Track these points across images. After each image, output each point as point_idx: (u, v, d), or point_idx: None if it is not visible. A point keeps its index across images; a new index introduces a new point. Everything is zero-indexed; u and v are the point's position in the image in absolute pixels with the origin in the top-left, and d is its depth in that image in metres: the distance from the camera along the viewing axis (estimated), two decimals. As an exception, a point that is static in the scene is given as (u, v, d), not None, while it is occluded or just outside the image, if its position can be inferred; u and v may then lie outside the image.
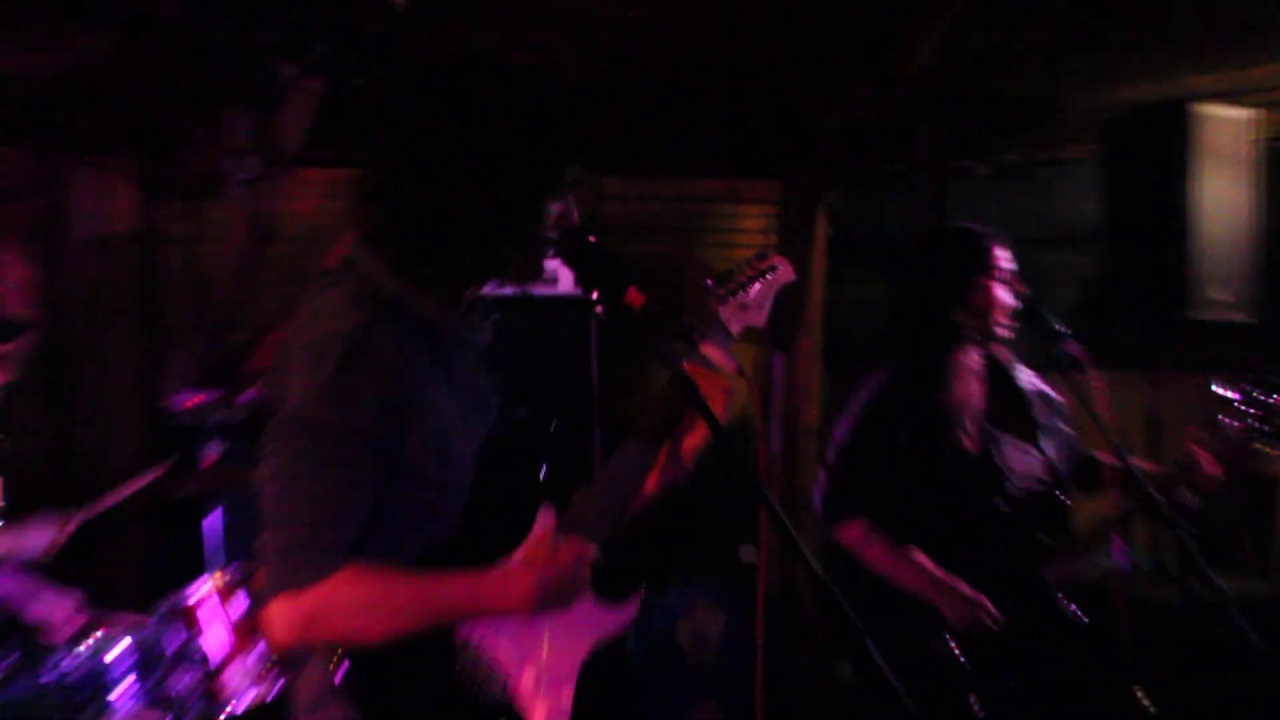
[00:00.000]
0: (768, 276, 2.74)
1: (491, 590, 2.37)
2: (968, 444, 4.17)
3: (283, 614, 2.26)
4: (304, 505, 2.27)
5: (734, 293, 2.70)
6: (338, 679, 2.31)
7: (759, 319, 2.74)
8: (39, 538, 4.62)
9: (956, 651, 4.08)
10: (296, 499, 2.27)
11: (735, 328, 2.68)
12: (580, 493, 2.52)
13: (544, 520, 2.48)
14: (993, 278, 4.21)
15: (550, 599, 2.38)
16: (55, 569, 4.73)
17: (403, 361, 2.33)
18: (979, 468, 4.18)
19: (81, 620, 4.69)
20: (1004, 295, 4.21)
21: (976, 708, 4.05)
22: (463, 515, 2.44)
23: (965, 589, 4.06)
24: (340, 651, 2.31)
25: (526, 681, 2.43)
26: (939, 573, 4.08)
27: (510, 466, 2.52)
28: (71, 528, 4.68)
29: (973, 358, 4.24)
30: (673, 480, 2.63)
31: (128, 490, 4.84)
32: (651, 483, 2.60)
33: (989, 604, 4.04)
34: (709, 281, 2.71)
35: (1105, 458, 4.25)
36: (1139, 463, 4.19)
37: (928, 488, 4.17)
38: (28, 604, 4.68)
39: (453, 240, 2.34)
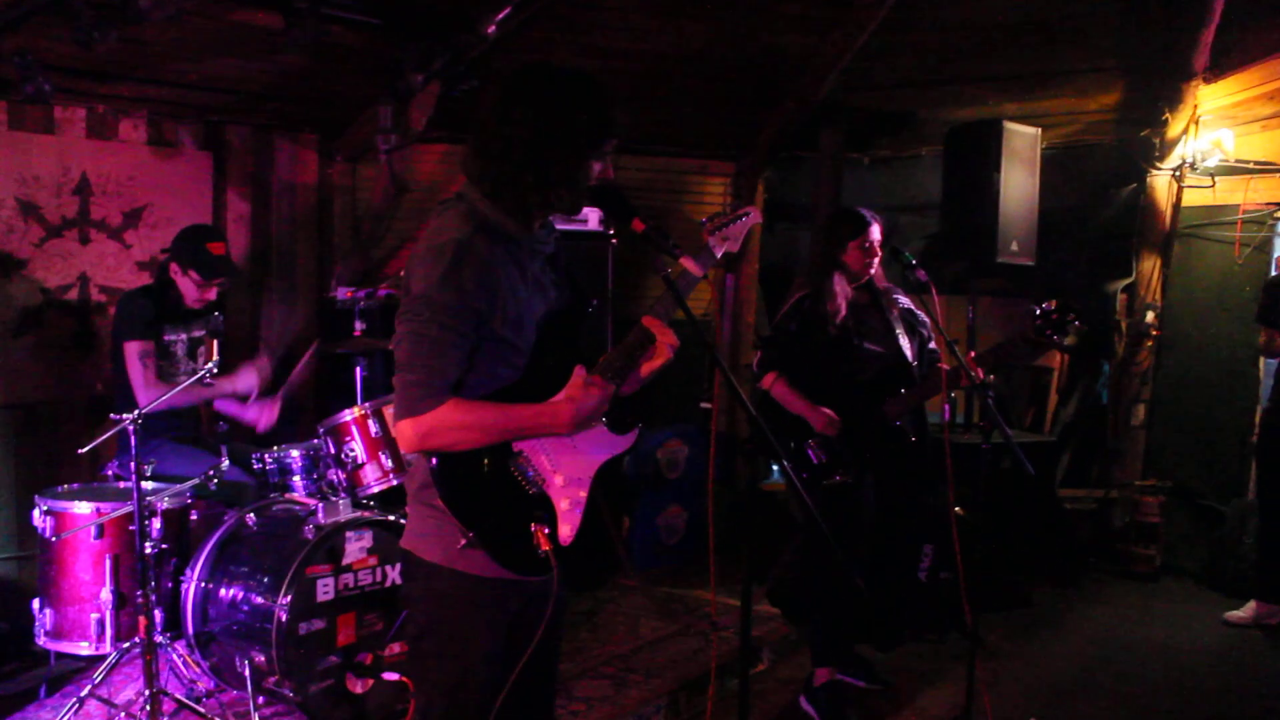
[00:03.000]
0: (743, 219, 2.67)
1: (545, 417, 2.35)
2: (833, 333, 4.32)
3: (408, 430, 2.26)
4: (424, 357, 2.24)
5: (720, 228, 2.62)
6: (432, 473, 2.31)
7: (734, 247, 2.66)
8: (249, 379, 4.66)
9: (819, 450, 4.31)
10: (419, 352, 2.24)
11: (718, 252, 2.61)
12: (601, 359, 2.46)
13: (577, 373, 2.43)
14: (862, 244, 4.35)
15: (584, 420, 2.37)
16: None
17: (493, 259, 2.30)
18: (841, 347, 4.34)
19: (274, 412, 4.75)
20: (863, 256, 4.36)
21: (833, 482, 4.30)
22: (524, 367, 2.39)
23: (825, 410, 4.26)
24: (435, 456, 2.30)
25: (557, 481, 2.40)
26: (809, 401, 4.29)
27: (558, 336, 2.46)
28: (268, 370, 4.73)
29: (844, 286, 4.37)
30: (632, 389, 2.54)
31: (302, 361, 4.88)
32: (625, 388, 2.49)
33: (835, 416, 4.25)
34: (704, 220, 2.63)
35: (943, 364, 4.33)
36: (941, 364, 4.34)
37: (811, 359, 4.34)
38: (242, 412, 4.77)
39: (523, 183, 2.32)
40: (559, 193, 2.36)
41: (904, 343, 4.43)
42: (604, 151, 2.38)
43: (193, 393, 4.33)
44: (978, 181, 6.10)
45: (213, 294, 4.58)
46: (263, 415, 4.75)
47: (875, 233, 4.38)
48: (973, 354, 4.16)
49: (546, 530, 2.37)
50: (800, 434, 4.33)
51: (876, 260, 4.40)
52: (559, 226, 2.58)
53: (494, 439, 2.32)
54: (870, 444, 4.33)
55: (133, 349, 4.41)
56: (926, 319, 4.49)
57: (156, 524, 3.88)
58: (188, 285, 4.51)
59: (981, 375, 4.06)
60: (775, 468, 7.08)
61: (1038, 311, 3.97)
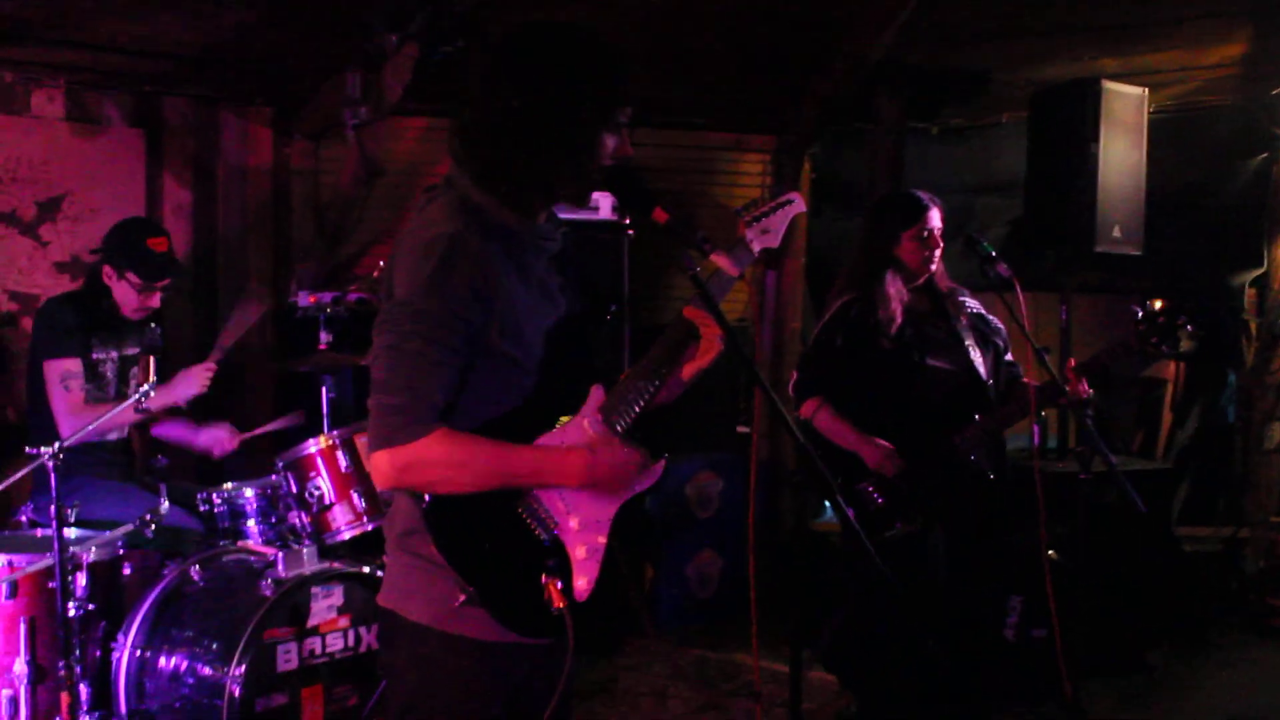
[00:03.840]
0: (785, 208, 2.65)
1: (551, 466, 2.35)
2: (886, 346, 4.26)
3: (384, 463, 2.24)
4: (406, 376, 2.23)
5: (758, 219, 2.62)
6: (422, 515, 2.30)
7: (774, 242, 2.65)
8: (190, 384, 4.62)
9: (874, 494, 4.23)
10: (400, 371, 2.23)
11: (756, 248, 2.60)
12: (623, 376, 2.49)
13: (594, 396, 2.44)
14: (918, 234, 4.30)
15: (598, 485, 2.38)
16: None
17: (488, 258, 2.28)
18: (899, 363, 4.27)
19: (236, 441, 4.79)
20: (922, 250, 4.31)
21: (891, 532, 4.21)
22: (532, 387, 2.38)
23: (880, 442, 4.19)
24: (426, 496, 2.29)
25: (572, 525, 2.40)
26: (860, 433, 4.23)
27: (571, 350, 2.46)
28: (215, 364, 4.70)
29: (898, 288, 4.31)
30: (669, 397, 2.57)
31: (241, 329, 4.86)
32: (661, 395, 2.52)
33: (894, 453, 4.17)
34: (738, 209, 2.63)
35: (1028, 379, 4.31)
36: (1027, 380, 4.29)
37: (862, 378, 4.29)
38: (194, 437, 4.78)
39: (518, 165, 2.32)
40: (562, 177, 2.37)
41: (975, 356, 4.37)
42: (617, 123, 2.38)
43: (127, 416, 4.32)
44: (1071, 154, 6.08)
45: (156, 300, 4.61)
46: (218, 439, 4.75)
47: (934, 219, 4.34)
48: (1072, 363, 4.12)
49: (559, 584, 2.36)
50: (851, 473, 4.27)
51: (938, 254, 4.35)
52: (563, 216, 2.58)
53: (485, 483, 2.31)
54: (938, 486, 4.25)
55: (54, 369, 4.42)
56: (1000, 325, 4.46)
57: (82, 580, 3.87)
58: (125, 291, 4.53)
59: (1085, 390, 4.02)
60: (828, 504, 7.06)
61: (1140, 315, 3.94)
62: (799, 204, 2.72)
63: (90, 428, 4.03)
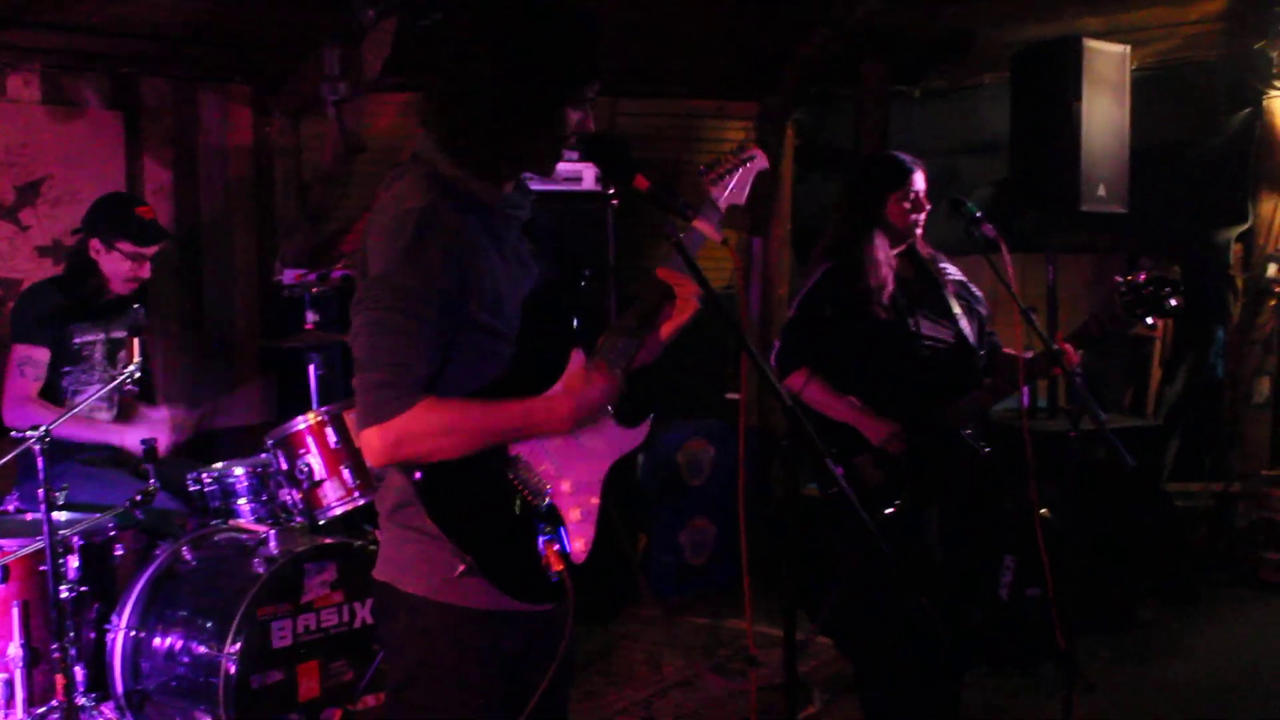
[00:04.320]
0: (747, 164, 2.66)
1: (539, 414, 2.35)
2: (883, 315, 4.16)
3: (374, 440, 2.25)
4: (388, 351, 2.23)
5: (721, 177, 2.62)
6: (414, 488, 2.29)
7: (740, 198, 2.65)
8: (153, 425, 4.59)
9: (875, 467, 4.12)
10: (382, 346, 2.24)
11: (723, 205, 2.60)
12: (603, 338, 2.48)
13: (575, 360, 2.44)
14: (904, 196, 4.21)
15: (584, 418, 2.39)
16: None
17: (461, 230, 2.30)
18: (892, 333, 4.17)
19: (189, 422, 4.72)
20: (909, 211, 4.22)
21: (889, 511, 4.13)
22: (512, 357, 2.39)
23: (881, 417, 4.10)
24: (417, 468, 2.28)
25: (564, 488, 2.41)
26: (860, 405, 4.13)
27: (548, 317, 2.47)
28: (181, 438, 4.68)
29: (887, 253, 4.21)
30: (647, 358, 2.57)
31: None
32: (641, 356, 2.52)
33: (900, 428, 4.07)
34: (701, 169, 2.64)
35: (1009, 349, 4.29)
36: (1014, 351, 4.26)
37: (853, 349, 4.19)
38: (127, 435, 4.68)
39: (486, 134, 2.31)
40: (528, 147, 2.37)
41: (964, 325, 4.29)
42: (584, 98, 2.38)
43: (76, 429, 4.30)
44: (1054, 113, 6.05)
45: (146, 270, 4.61)
46: (161, 423, 4.70)
47: (919, 180, 4.26)
48: (1060, 336, 4.10)
49: (558, 547, 2.37)
50: (846, 445, 4.17)
51: (923, 217, 4.30)
52: (548, 187, 2.58)
53: (479, 443, 2.31)
54: (934, 463, 4.15)
55: (17, 353, 4.42)
56: (981, 294, 4.42)
57: (73, 562, 3.88)
58: (115, 263, 4.52)
59: (1076, 361, 4.00)
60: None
61: (1123, 286, 3.93)
62: (761, 159, 2.72)
63: (58, 424, 3.89)
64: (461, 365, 2.34)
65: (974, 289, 4.41)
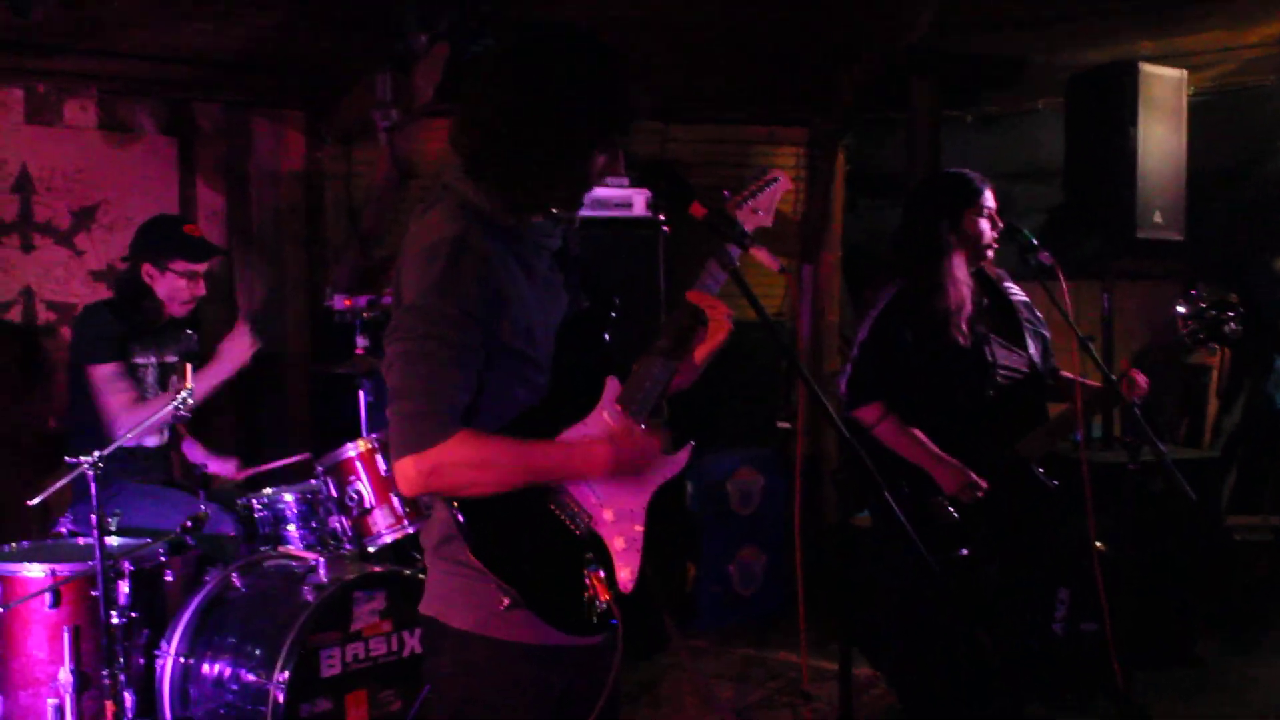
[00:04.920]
0: (770, 187, 2.65)
1: (576, 460, 2.34)
2: (961, 341, 4.05)
3: (409, 469, 2.24)
4: (423, 381, 2.23)
5: (746, 199, 2.60)
6: (456, 523, 2.28)
7: (767, 220, 2.64)
8: (235, 355, 4.68)
9: (950, 509, 4.05)
10: (417, 376, 2.23)
11: (749, 228, 2.57)
12: (637, 364, 2.47)
13: (610, 388, 2.43)
14: (979, 212, 4.13)
15: (623, 472, 2.37)
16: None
17: (493, 258, 2.29)
18: (971, 360, 4.08)
19: (241, 475, 4.82)
20: (986, 227, 4.13)
21: (964, 553, 4.05)
22: (546, 386, 2.39)
23: (957, 464, 3.99)
24: (456, 501, 2.28)
25: (606, 517, 2.40)
26: (935, 449, 4.02)
27: (582, 345, 2.46)
28: (240, 476, 4.79)
29: (964, 273, 4.11)
30: (684, 383, 2.57)
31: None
32: (677, 381, 2.52)
33: (975, 477, 3.98)
34: (725, 193, 2.62)
35: (1066, 373, 4.22)
36: (1084, 380, 4.17)
37: (929, 376, 4.08)
38: (205, 462, 4.80)
39: (506, 167, 2.31)
40: (550, 186, 2.36)
41: (1034, 351, 4.21)
42: (609, 144, 2.37)
43: (167, 419, 4.35)
44: (1110, 139, 6.03)
45: (202, 288, 4.66)
46: (226, 470, 4.80)
47: (991, 198, 4.18)
48: (1125, 363, 4.03)
49: (603, 575, 2.36)
50: (919, 482, 4.08)
51: (996, 234, 4.19)
52: (599, 214, 2.58)
53: (514, 481, 2.30)
54: (1009, 505, 4.04)
55: (100, 373, 4.45)
56: (1041, 315, 4.34)
57: (124, 587, 3.88)
58: (172, 284, 4.57)
59: (1146, 387, 3.93)
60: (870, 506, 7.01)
61: (1184, 310, 3.86)
62: (784, 182, 2.72)
63: (148, 423, 4.06)
64: (495, 393, 2.34)
65: (1036, 310, 4.33)
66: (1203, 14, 6.34)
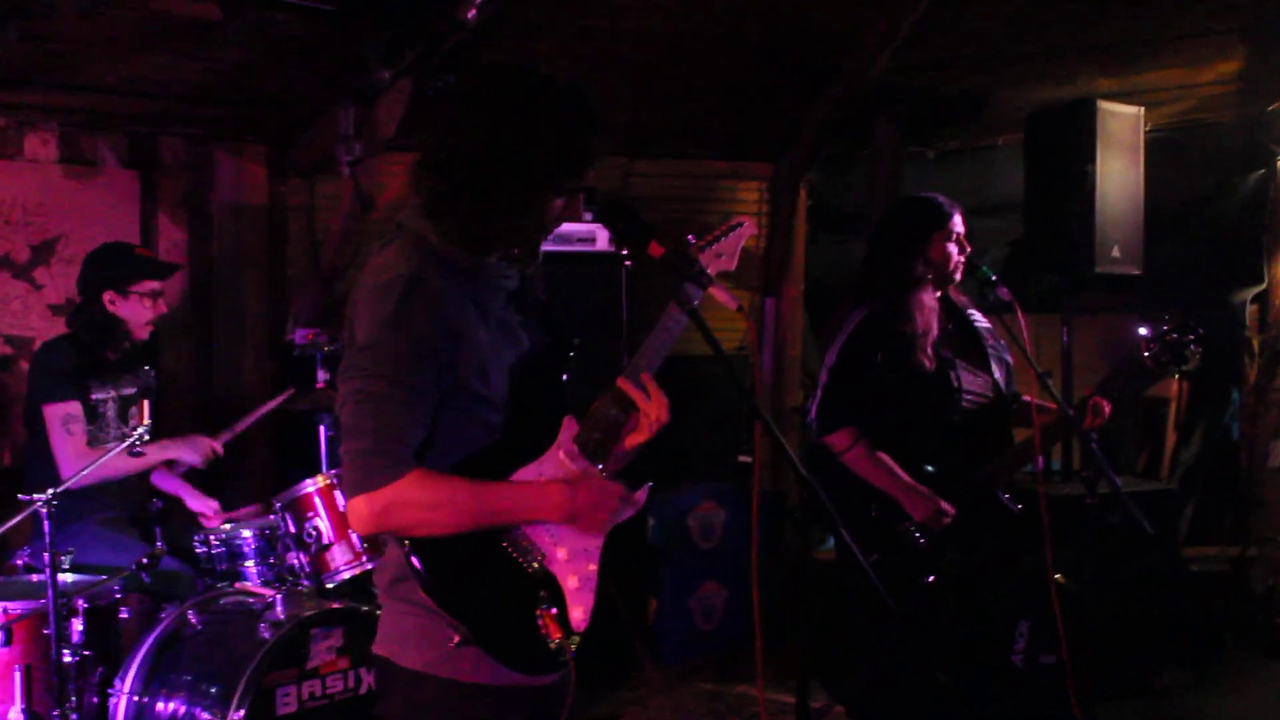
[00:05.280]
0: (735, 231, 2.69)
1: (532, 502, 2.33)
2: (928, 365, 4.08)
3: (361, 508, 2.23)
4: (374, 420, 2.22)
5: (710, 244, 2.64)
6: (408, 561, 2.28)
7: (730, 265, 2.68)
8: (192, 454, 4.63)
9: (917, 535, 4.05)
10: (369, 415, 2.23)
11: (712, 271, 2.59)
12: (595, 404, 2.47)
13: (567, 428, 2.44)
14: (947, 237, 4.15)
15: (579, 518, 2.36)
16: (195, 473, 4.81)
17: (447, 297, 2.29)
18: (936, 385, 4.10)
19: (220, 520, 4.79)
20: (955, 251, 4.15)
21: (930, 580, 4.07)
22: (502, 425, 2.38)
23: (926, 491, 4.01)
24: (408, 540, 2.28)
25: (559, 555, 2.40)
26: (906, 478, 4.04)
27: (538, 385, 2.46)
28: (220, 446, 4.73)
29: (931, 298, 4.16)
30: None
31: (261, 413, 4.89)
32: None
33: (944, 504, 4.00)
34: (690, 237, 2.64)
35: (1028, 397, 4.23)
36: (1045, 403, 4.19)
37: (896, 400, 4.10)
38: (185, 498, 4.78)
39: (462, 208, 2.31)
40: (507, 228, 2.36)
41: (999, 376, 4.23)
42: (568, 189, 2.38)
43: (125, 463, 4.30)
44: (1068, 175, 6.06)
45: (163, 306, 4.66)
46: (205, 509, 4.76)
47: (959, 222, 4.20)
48: (1088, 391, 4.04)
49: (555, 613, 2.35)
50: (887, 509, 4.09)
51: (963, 259, 4.20)
52: (561, 248, 2.59)
53: (464, 523, 2.29)
54: (975, 527, 4.06)
55: (54, 413, 4.41)
56: (1004, 341, 4.36)
57: (77, 625, 3.86)
58: (135, 308, 4.55)
59: (1107, 412, 3.95)
60: (833, 539, 7.01)
61: (1149, 335, 3.90)
62: (749, 227, 2.76)
63: (88, 470, 4.01)
64: (449, 432, 2.33)
65: (999, 336, 4.34)
66: (1160, 53, 6.43)
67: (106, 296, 4.54)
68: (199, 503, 4.80)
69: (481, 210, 2.32)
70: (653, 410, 2.44)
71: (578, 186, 2.39)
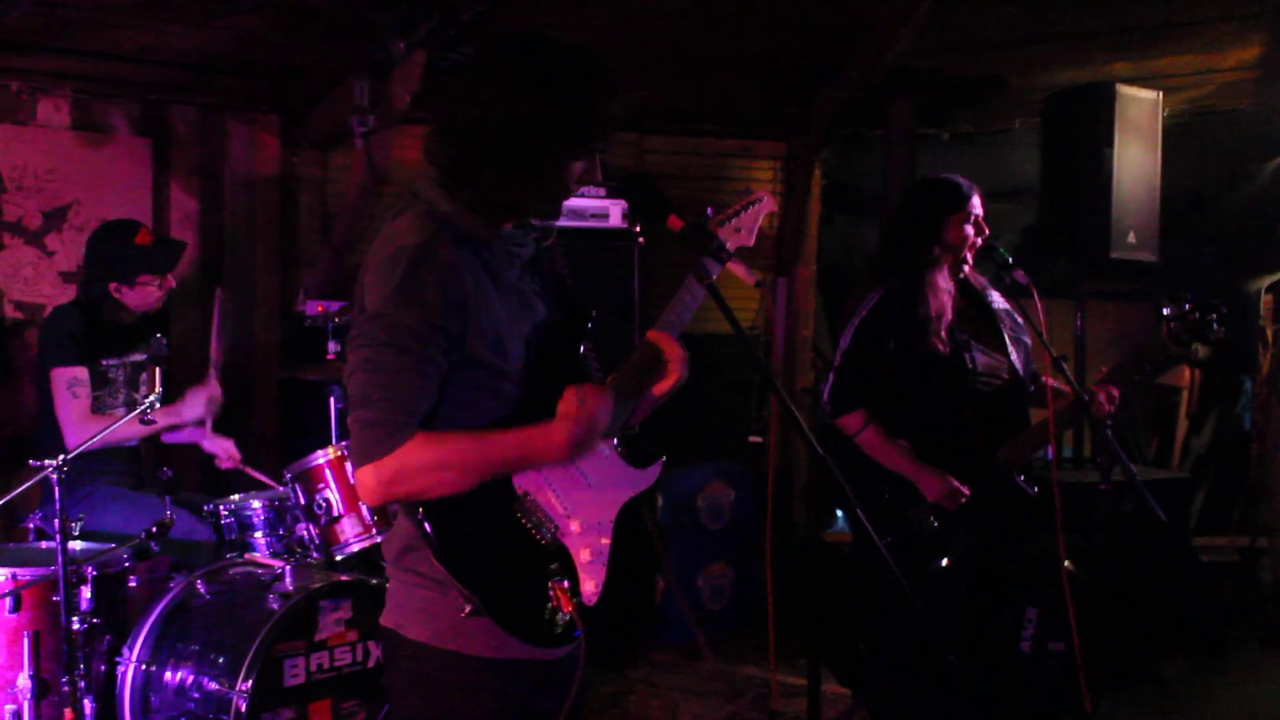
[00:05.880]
0: (754, 206, 2.68)
1: (536, 441, 2.30)
2: (941, 348, 4.05)
3: (369, 478, 2.22)
4: (381, 390, 2.21)
5: (729, 219, 2.63)
6: (419, 530, 2.27)
7: (749, 240, 2.67)
8: (196, 406, 4.65)
9: (931, 518, 4.05)
10: (376, 385, 2.21)
11: (731, 246, 2.57)
12: (613, 376, 2.46)
13: (569, 391, 2.38)
14: (965, 219, 4.12)
15: (582, 443, 2.32)
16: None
17: (459, 267, 2.27)
18: (951, 367, 4.07)
19: (238, 457, 4.79)
20: (972, 232, 4.12)
21: (944, 563, 4.06)
22: (517, 396, 2.36)
23: (939, 472, 3.99)
24: (421, 508, 2.26)
25: (573, 528, 2.38)
26: (917, 459, 4.03)
27: (554, 355, 2.45)
28: (218, 387, 4.71)
29: (946, 280, 4.12)
30: (645, 414, 2.58)
31: (212, 330, 4.85)
32: (635, 416, 2.54)
33: (957, 484, 3.98)
34: (709, 210, 2.65)
35: (1046, 377, 4.22)
36: (1061, 386, 4.16)
37: (911, 384, 4.08)
38: (204, 441, 4.78)
39: (483, 176, 2.30)
40: (528, 194, 2.36)
41: (1015, 358, 4.20)
42: (588, 151, 2.38)
43: (132, 429, 4.31)
44: (1085, 160, 6.04)
45: (172, 281, 4.65)
46: (225, 449, 4.75)
47: (978, 203, 4.16)
48: (1104, 371, 4.02)
49: (566, 585, 2.34)
50: (901, 492, 4.08)
51: (980, 240, 4.16)
52: (575, 224, 2.56)
53: (476, 477, 2.27)
54: (990, 509, 4.04)
55: (61, 376, 4.40)
56: (1021, 320, 4.33)
57: (86, 593, 3.85)
58: (142, 294, 4.56)
59: (1115, 398, 3.92)
60: (841, 514, 7.00)
61: (1168, 312, 3.87)
62: (768, 202, 2.75)
63: (95, 439, 4.01)
64: (462, 403, 2.32)
65: (1017, 316, 4.30)
66: (1179, 37, 6.38)
67: (112, 286, 4.53)
68: (214, 444, 4.80)
69: (505, 177, 2.30)
70: (678, 353, 2.46)
71: (597, 148, 2.38)
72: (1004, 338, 4.20)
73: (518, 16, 5.35)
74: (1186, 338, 3.84)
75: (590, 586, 2.37)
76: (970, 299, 4.24)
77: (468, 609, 2.26)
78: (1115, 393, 3.97)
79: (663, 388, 2.50)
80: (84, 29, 4.98)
